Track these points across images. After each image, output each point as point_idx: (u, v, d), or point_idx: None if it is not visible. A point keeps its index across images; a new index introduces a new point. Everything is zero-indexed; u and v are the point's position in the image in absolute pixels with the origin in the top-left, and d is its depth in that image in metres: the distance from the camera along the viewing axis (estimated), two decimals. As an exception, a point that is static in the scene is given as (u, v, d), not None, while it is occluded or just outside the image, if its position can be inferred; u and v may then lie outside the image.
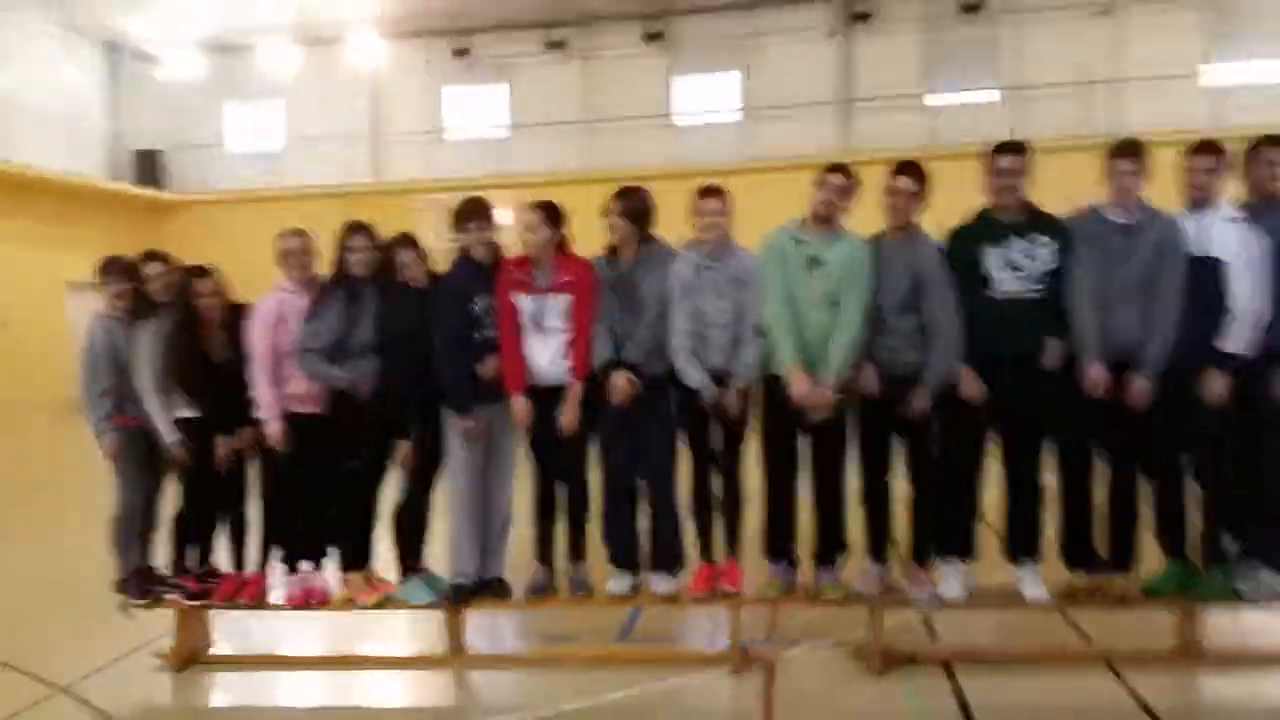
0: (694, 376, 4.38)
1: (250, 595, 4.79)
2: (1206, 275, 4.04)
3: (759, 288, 4.37)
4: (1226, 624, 4.39)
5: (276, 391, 4.60)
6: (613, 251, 4.58)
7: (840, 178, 4.38)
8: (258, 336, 4.60)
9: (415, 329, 4.53)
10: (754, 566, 4.56)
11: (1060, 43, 18.06)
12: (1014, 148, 4.35)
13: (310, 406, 4.66)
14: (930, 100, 18.69)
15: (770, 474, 4.48)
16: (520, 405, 4.47)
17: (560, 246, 4.54)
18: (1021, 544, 4.34)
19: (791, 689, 4.20)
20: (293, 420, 4.64)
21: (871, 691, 4.16)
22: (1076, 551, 4.32)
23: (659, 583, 4.52)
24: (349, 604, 4.71)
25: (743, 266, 4.43)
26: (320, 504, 4.74)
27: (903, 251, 4.32)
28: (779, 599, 4.50)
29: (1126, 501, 4.22)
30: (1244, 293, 4.01)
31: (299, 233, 4.76)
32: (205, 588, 4.82)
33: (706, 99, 19.55)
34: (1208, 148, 4.19)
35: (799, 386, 4.23)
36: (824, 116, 18.95)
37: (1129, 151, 4.22)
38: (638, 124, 19.24)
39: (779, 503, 4.49)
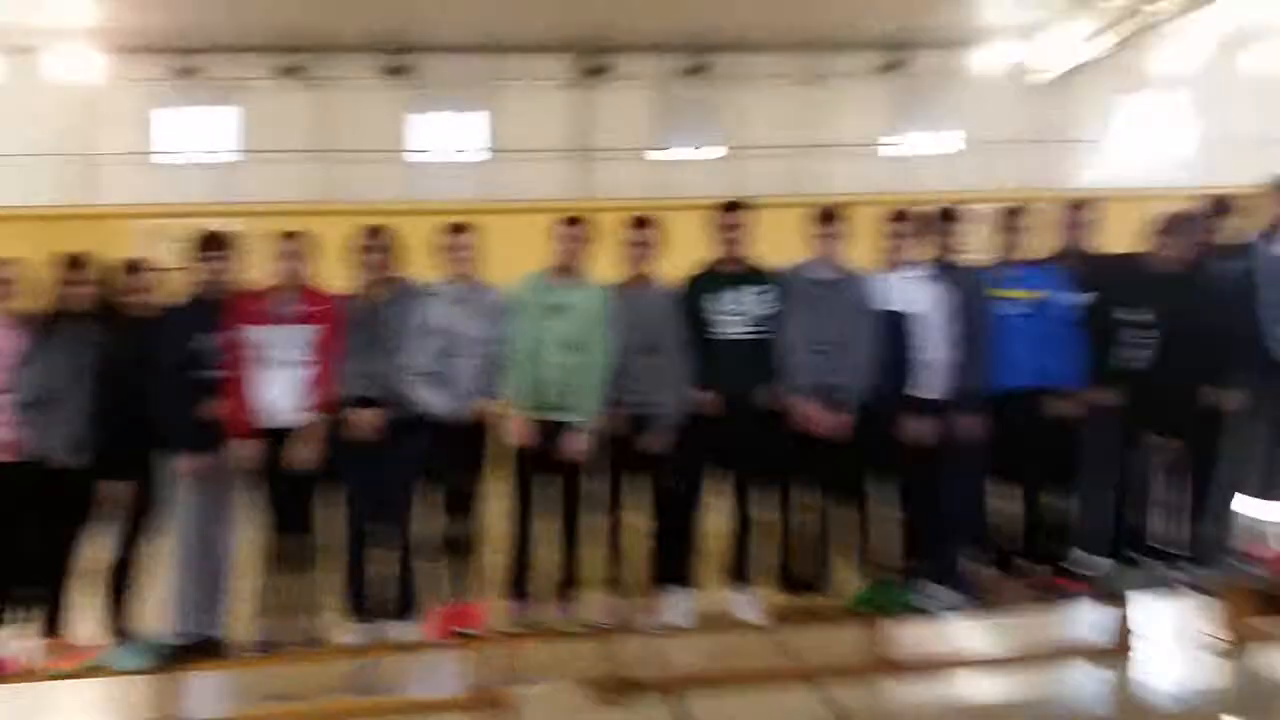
0: (436, 401, 4.43)
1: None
2: (896, 327, 4.61)
3: (508, 325, 4.52)
4: (911, 635, 4.92)
5: None
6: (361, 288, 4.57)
7: (575, 229, 4.61)
8: None
9: (134, 365, 4.29)
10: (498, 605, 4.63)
11: (773, 108, 19.63)
12: (735, 205, 4.77)
13: (4, 455, 4.27)
14: (660, 155, 19.69)
15: (517, 512, 4.60)
16: (248, 448, 4.31)
17: (307, 279, 4.48)
18: (736, 570, 4.72)
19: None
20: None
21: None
22: (786, 575, 4.73)
23: (396, 629, 4.50)
24: (44, 673, 4.31)
25: (492, 301, 4.56)
26: (10, 564, 4.35)
27: (639, 298, 4.60)
28: (517, 636, 4.58)
29: (828, 529, 4.70)
30: (932, 343, 4.60)
31: (6, 262, 4.39)
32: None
33: (448, 137, 19.53)
34: (899, 215, 4.80)
35: (519, 431, 4.44)
36: (565, 163, 19.48)
37: (828, 217, 4.76)
38: (373, 157, 18.91)
39: (522, 541, 4.62)
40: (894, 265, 4.78)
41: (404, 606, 4.53)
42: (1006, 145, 19.46)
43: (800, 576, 4.73)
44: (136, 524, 4.38)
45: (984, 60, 18.87)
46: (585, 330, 4.52)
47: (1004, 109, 19.49)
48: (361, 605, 4.52)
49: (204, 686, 4.51)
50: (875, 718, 4.42)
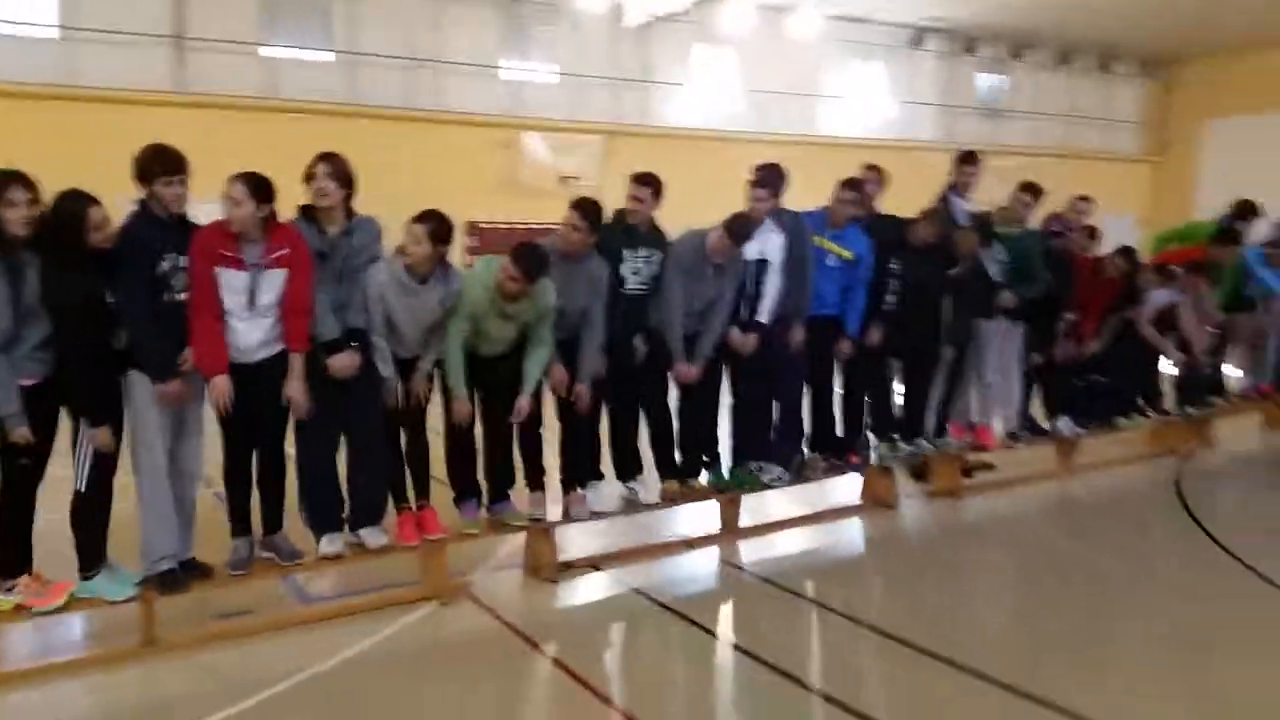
0: (384, 369, 4.81)
1: None
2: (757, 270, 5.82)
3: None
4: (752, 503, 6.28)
5: None
6: (308, 214, 4.64)
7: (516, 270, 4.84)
8: None
9: (91, 295, 4.10)
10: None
11: (387, 17, 19.39)
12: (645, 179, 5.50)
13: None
14: (266, 52, 18.56)
15: (455, 431, 5.14)
16: (222, 385, 4.34)
17: (270, 219, 4.44)
18: (629, 465, 5.73)
19: (495, 601, 5.00)
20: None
21: (555, 593, 5.18)
22: (667, 465, 5.85)
23: (371, 536, 4.86)
24: (20, 612, 4.09)
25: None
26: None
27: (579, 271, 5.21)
28: (477, 534, 5.18)
29: (702, 428, 5.90)
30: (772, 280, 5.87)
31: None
32: None
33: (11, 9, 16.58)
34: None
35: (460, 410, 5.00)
36: (155, 51, 17.54)
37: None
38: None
39: (464, 453, 5.19)
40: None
41: (374, 515, 4.89)
42: (601, 81, 21.34)
43: (675, 465, 5.87)
44: (112, 456, 4.22)
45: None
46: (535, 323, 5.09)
47: (600, 47, 21.26)
48: (333, 518, 4.81)
49: (182, 606, 4.52)
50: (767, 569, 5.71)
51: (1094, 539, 6.19)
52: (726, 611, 5.11)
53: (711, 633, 4.73)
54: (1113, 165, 22.33)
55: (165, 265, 4.25)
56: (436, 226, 4.68)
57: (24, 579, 4.14)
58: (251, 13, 18.37)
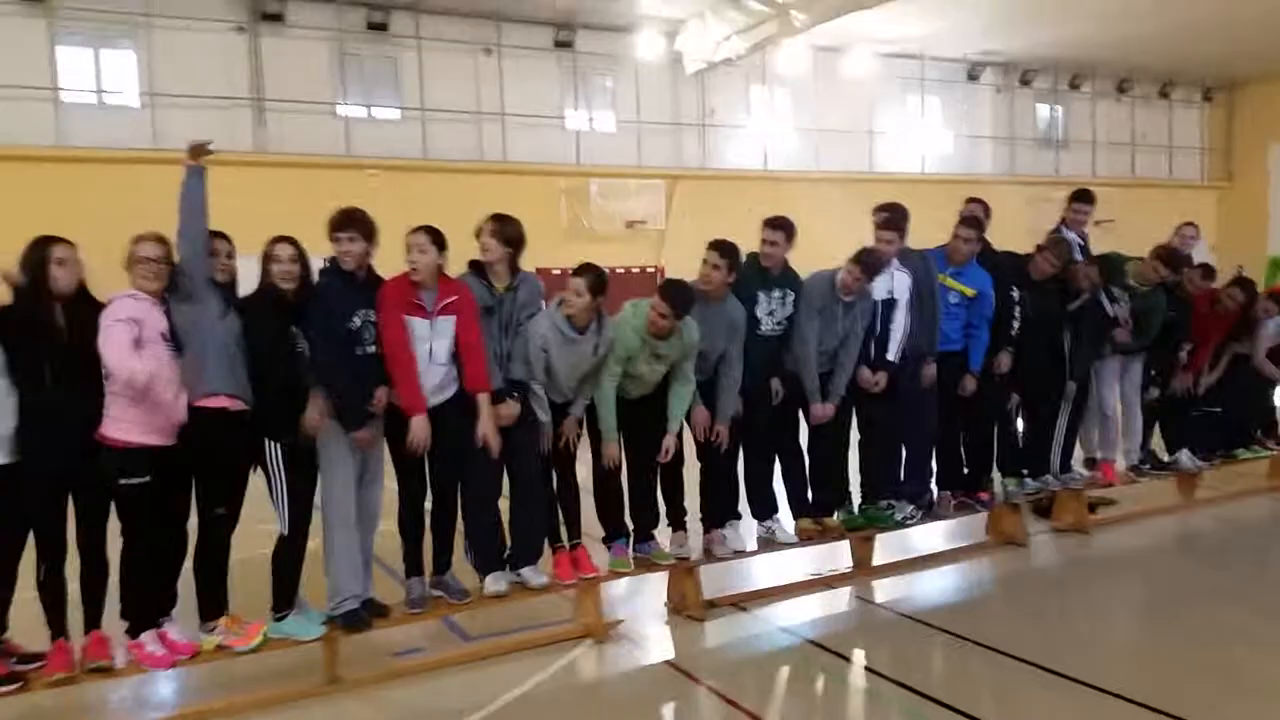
0: (542, 415, 4.99)
1: (98, 658, 4.08)
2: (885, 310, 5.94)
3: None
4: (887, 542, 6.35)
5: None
6: (477, 269, 4.88)
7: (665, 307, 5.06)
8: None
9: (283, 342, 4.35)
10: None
11: (452, 73, 19.94)
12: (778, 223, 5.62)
13: (164, 439, 4.13)
14: (341, 110, 19.17)
15: (604, 474, 5.28)
16: (422, 425, 4.57)
17: (441, 269, 4.72)
18: (766, 505, 5.84)
19: (646, 639, 5.15)
20: (145, 454, 4.07)
21: (703, 630, 5.29)
22: (800, 503, 5.95)
23: (533, 575, 5.01)
24: (221, 652, 4.29)
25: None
26: (175, 552, 4.27)
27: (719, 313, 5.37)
28: (630, 572, 5.32)
29: (833, 467, 6.00)
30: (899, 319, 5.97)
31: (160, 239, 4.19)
32: (18, 670, 3.96)
33: (98, 76, 17.33)
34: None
35: (610, 453, 5.17)
36: (234, 112, 18.20)
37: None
38: (19, 93, 16.31)
39: (613, 495, 5.35)
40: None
41: (532, 555, 5.05)
42: (659, 126, 21.69)
43: (810, 504, 5.97)
44: (308, 499, 4.46)
45: (643, 46, 20.75)
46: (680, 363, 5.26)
47: (660, 93, 21.65)
48: (494, 559, 4.97)
49: (357, 645, 4.70)
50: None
51: (1224, 569, 6.16)
52: (871, 645, 5.16)
53: (859, 664, 4.83)
54: (1179, 192, 22.19)
55: (357, 321, 4.49)
56: (595, 279, 4.87)
57: (223, 620, 4.34)
58: (324, 73, 19.01)
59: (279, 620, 4.44)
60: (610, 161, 21.06)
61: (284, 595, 4.45)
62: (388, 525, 4.89)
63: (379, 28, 19.18)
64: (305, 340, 4.36)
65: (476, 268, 4.89)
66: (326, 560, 4.57)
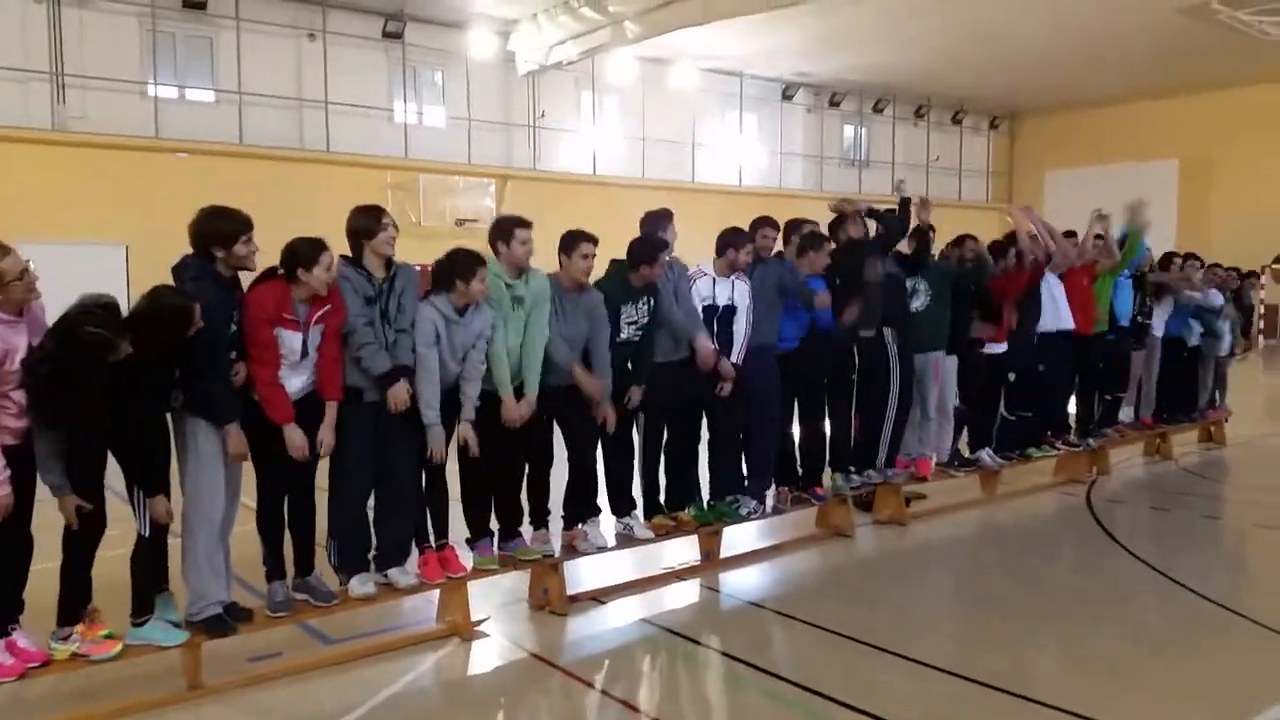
0: (431, 418, 5.01)
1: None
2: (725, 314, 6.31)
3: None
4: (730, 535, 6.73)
5: None
6: (351, 262, 4.88)
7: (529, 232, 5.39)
8: None
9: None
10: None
11: (272, 57, 19.19)
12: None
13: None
14: (151, 90, 18.10)
15: (472, 474, 5.38)
16: (296, 433, 4.55)
17: None
18: (624, 503, 6.09)
19: (512, 635, 5.29)
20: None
21: (565, 624, 5.47)
22: (653, 501, 6.23)
23: (400, 577, 5.04)
24: (76, 661, 4.12)
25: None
26: (24, 557, 4.08)
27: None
28: (497, 570, 5.42)
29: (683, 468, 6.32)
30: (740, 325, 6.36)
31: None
32: None
33: None
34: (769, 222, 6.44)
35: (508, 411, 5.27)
36: (31, 86, 16.83)
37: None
38: None
39: (482, 494, 5.45)
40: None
41: (400, 556, 5.08)
42: (489, 125, 21.65)
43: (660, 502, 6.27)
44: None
45: (475, 44, 20.67)
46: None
47: (491, 92, 21.60)
48: (363, 559, 4.98)
49: (216, 651, 4.59)
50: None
51: (1022, 556, 6.93)
52: (724, 631, 5.49)
53: (715, 649, 5.16)
54: (967, 212, 24.18)
55: (234, 327, 4.43)
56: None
57: (80, 627, 4.16)
58: (133, 50, 17.89)
59: (139, 626, 4.29)
60: (440, 158, 20.85)
61: (144, 600, 4.31)
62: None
63: (196, 6, 18.30)
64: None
65: (349, 260, 4.88)
66: (185, 564, 4.46)
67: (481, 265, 5.03)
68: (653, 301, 5.89)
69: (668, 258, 6.01)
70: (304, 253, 4.53)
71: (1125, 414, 9.75)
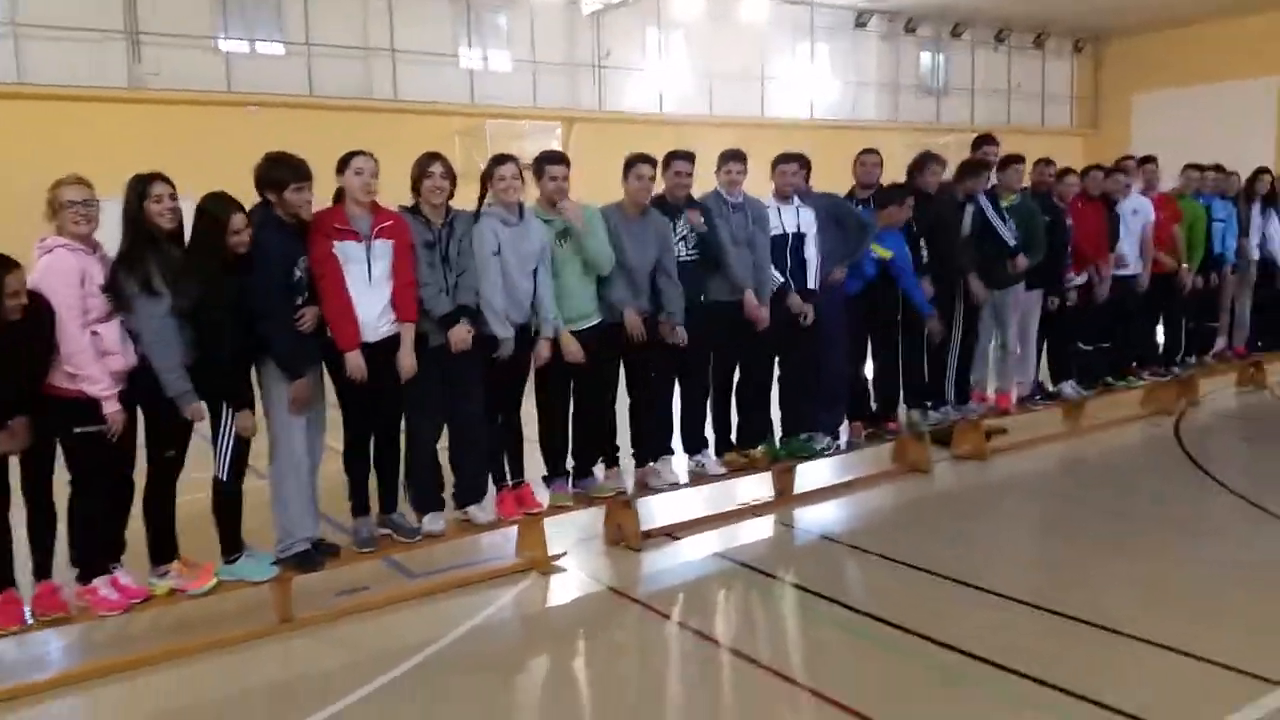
0: (503, 332, 5.05)
1: (50, 608, 4.04)
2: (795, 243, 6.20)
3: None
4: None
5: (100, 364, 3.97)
6: (410, 210, 4.91)
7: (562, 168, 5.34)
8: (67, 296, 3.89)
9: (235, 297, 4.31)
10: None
11: (342, 7, 19.23)
12: (687, 155, 5.83)
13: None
14: (223, 45, 18.33)
15: (547, 411, 5.43)
16: (357, 361, 4.58)
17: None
18: (696, 440, 6.09)
19: (592, 572, 5.35)
20: (94, 402, 4.02)
21: (640, 559, 5.54)
22: (725, 439, 6.23)
23: (478, 513, 5.15)
24: (175, 596, 4.31)
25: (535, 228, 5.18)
26: (125, 498, 4.25)
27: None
28: (572, 507, 5.50)
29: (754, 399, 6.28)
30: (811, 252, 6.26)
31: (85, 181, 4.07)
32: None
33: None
34: (791, 158, 6.28)
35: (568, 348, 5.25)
36: (107, 45, 17.18)
37: (735, 156, 6.02)
38: None
39: (555, 434, 5.49)
40: (785, 198, 6.25)
41: (477, 494, 5.17)
42: (555, 66, 21.47)
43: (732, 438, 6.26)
44: (246, 446, 4.46)
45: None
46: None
47: (556, 34, 21.40)
48: (436, 498, 5.08)
49: (305, 586, 4.76)
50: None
51: (1104, 489, 6.76)
52: (799, 565, 5.51)
53: (790, 583, 5.18)
54: (1049, 139, 23.29)
55: (298, 273, 4.47)
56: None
57: (175, 564, 4.35)
58: (203, 6, 18.10)
59: (230, 563, 4.47)
60: (505, 102, 20.77)
61: (232, 539, 4.47)
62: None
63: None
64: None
65: (409, 209, 4.92)
66: (275, 503, 4.60)
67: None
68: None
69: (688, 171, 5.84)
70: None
71: (1219, 342, 9.38)
